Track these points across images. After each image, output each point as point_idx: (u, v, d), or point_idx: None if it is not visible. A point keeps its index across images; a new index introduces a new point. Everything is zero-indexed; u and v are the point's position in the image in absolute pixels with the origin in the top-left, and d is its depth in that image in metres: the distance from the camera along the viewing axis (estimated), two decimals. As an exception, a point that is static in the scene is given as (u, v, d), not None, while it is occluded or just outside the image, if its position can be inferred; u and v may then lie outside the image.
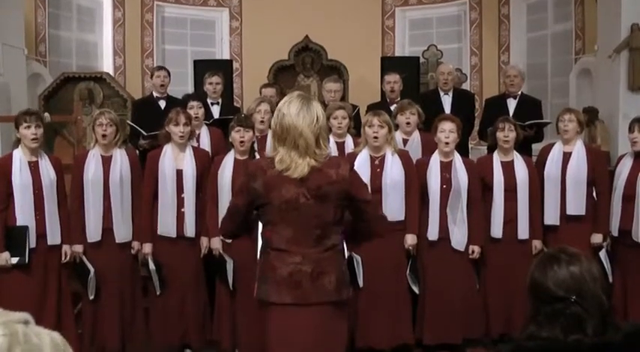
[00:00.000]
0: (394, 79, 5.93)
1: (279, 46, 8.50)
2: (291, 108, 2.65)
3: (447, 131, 4.49)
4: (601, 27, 7.09)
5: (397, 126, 4.99)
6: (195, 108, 5.08)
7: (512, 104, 5.92)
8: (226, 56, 9.12)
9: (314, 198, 2.65)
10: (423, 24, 9.27)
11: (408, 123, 4.98)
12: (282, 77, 8.43)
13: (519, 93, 6.01)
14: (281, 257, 2.70)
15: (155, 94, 6.04)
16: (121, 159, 4.57)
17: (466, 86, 8.51)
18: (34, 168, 4.34)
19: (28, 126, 4.30)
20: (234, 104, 7.69)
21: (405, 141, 4.98)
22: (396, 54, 9.06)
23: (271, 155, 2.73)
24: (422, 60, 8.45)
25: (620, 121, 6.49)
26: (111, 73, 8.21)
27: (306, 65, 8.54)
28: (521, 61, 8.40)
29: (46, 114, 4.67)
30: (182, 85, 8.04)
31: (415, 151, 4.85)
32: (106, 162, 4.55)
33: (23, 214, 4.29)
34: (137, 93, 8.17)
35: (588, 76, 7.60)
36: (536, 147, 5.66)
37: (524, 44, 8.68)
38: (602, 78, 7.09)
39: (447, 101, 6.02)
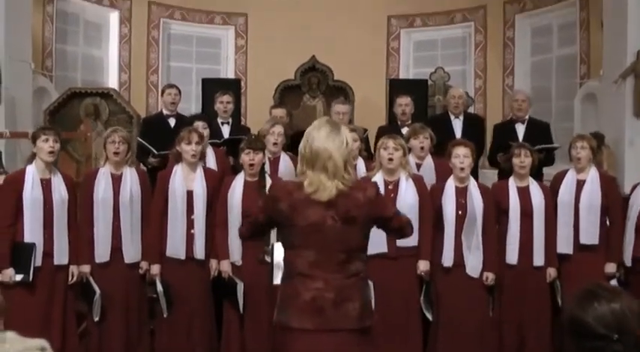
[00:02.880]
0: (406, 102, 5.93)
1: (284, 65, 8.51)
2: (320, 132, 2.67)
3: (461, 156, 4.48)
4: (606, 52, 7.10)
5: (410, 150, 4.99)
6: (200, 129, 5.05)
7: (520, 129, 5.92)
8: (231, 74, 9.12)
9: (342, 220, 2.63)
10: (428, 46, 9.30)
11: (422, 148, 4.97)
12: (288, 97, 8.40)
13: (527, 117, 6.02)
14: (303, 282, 2.67)
15: (165, 112, 6.04)
16: (131, 178, 4.55)
17: (470, 109, 8.52)
18: (46, 185, 4.32)
19: (46, 139, 4.29)
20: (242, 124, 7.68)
21: (418, 166, 4.96)
22: (401, 75, 9.08)
23: (299, 179, 2.71)
24: (429, 82, 8.46)
25: (626, 147, 6.50)
26: (116, 88, 8.20)
27: (312, 85, 8.53)
28: (526, 85, 8.43)
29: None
30: (186, 102, 7.99)
31: (428, 176, 4.82)
32: (116, 180, 4.53)
33: (32, 231, 4.25)
34: (141, 109, 8.15)
35: (593, 100, 7.59)
36: (548, 172, 5.65)
37: (529, 67, 8.69)
38: (607, 103, 7.09)
39: (457, 125, 6.02)
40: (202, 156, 4.72)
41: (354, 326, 2.68)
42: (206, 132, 5.14)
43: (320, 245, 2.64)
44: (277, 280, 3.73)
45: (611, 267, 4.58)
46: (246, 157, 4.52)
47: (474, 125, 6.19)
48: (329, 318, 2.64)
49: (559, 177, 4.76)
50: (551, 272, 4.58)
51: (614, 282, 4.51)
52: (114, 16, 8.74)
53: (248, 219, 3.00)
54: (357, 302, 2.69)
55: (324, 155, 2.63)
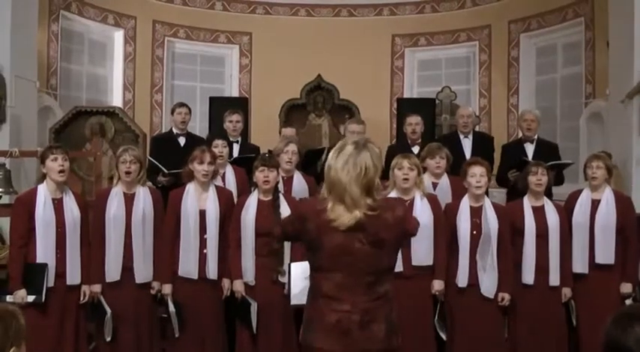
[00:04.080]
0: (416, 121, 5.92)
1: (289, 84, 8.53)
2: (338, 162, 2.60)
3: (477, 175, 4.45)
4: (612, 71, 7.09)
5: (425, 170, 4.97)
6: (220, 147, 5.06)
7: (529, 148, 5.89)
8: (235, 93, 9.14)
9: (370, 243, 2.59)
10: (432, 65, 9.33)
11: (438, 167, 4.95)
12: (293, 116, 8.41)
13: (536, 137, 5.99)
14: (329, 304, 2.64)
15: (175, 131, 6.03)
16: (144, 197, 4.51)
17: (476, 128, 8.51)
18: (57, 205, 4.27)
19: (55, 158, 4.24)
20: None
21: (434, 185, 4.94)
22: (405, 95, 9.10)
23: (323, 198, 2.66)
24: (436, 101, 8.46)
25: (633, 167, 6.47)
26: (120, 107, 8.16)
27: (317, 104, 8.54)
28: (530, 104, 8.39)
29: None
30: (190, 120, 7.99)
31: (445, 195, 4.80)
32: (129, 200, 4.48)
33: (44, 252, 4.21)
34: (145, 128, 8.12)
35: (599, 120, 7.58)
36: (556, 191, 5.62)
37: (534, 87, 8.69)
38: (613, 123, 7.08)
39: (467, 144, 6.00)
40: (215, 175, 4.67)
41: (381, 346, 2.65)
42: (226, 151, 5.14)
43: (348, 267, 2.61)
44: (294, 301, 3.70)
45: (627, 287, 4.55)
46: (260, 174, 4.48)
47: (484, 144, 6.16)
48: (355, 340, 2.61)
49: (573, 197, 4.74)
50: (567, 292, 4.54)
51: (628, 302, 4.48)
52: (118, 35, 8.74)
53: (278, 229, 2.98)
54: (382, 323, 2.66)
55: (340, 187, 2.57)
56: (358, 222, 2.56)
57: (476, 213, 4.46)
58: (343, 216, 2.56)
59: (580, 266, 4.57)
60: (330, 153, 2.68)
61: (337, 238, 2.59)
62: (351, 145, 2.65)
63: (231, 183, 5.02)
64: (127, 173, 4.45)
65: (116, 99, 8.62)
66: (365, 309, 2.63)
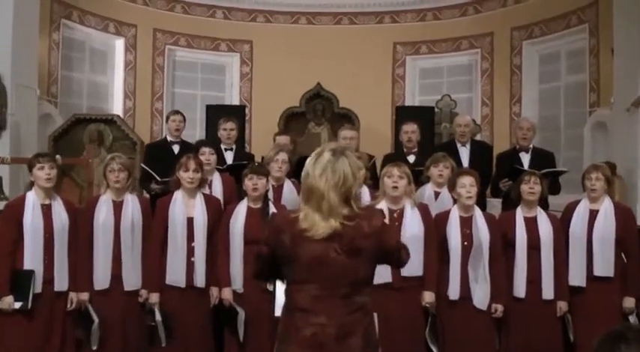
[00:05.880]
0: (412, 129, 5.84)
1: (289, 92, 8.50)
2: (316, 169, 2.52)
3: (467, 185, 4.34)
4: (617, 79, 6.99)
5: (428, 178, 4.90)
6: (207, 154, 5.01)
7: (525, 158, 5.77)
8: (236, 101, 9.14)
9: (346, 253, 2.50)
10: (434, 73, 9.26)
11: (440, 176, 4.87)
12: (293, 124, 8.39)
13: (531, 146, 5.89)
14: (304, 317, 2.55)
15: (169, 138, 5.99)
16: (132, 205, 4.49)
17: (477, 137, 8.42)
18: (46, 211, 4.28)
19: (42, 168, 4.25)
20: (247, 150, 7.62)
21: (436, 195, 4.87)
22: (407, 103, 9.04)
23: (298, 209, 2.59)
24: (435, 109, 8.39)
25: (638, 177, 6.34)
26: (120, 115, 8.18)
27: (317, 112, 8.51)
28: (533, 113, 8.31)
29: (58, 157, 4.60)
30: (191, 128, 7.97)
31: (446, 205, 4.69)
32: (117, 207, 4.46)
33: (32, 258, 4.20)
34: (146, 136, 8.12)
35: (603, 129, 7.47)
36: (553, 202, 5.51)
37: (537, 95, 8.59)
38: (618, 132, 6.96)
39: (464, 153, 5.89)
40: (203, 183, 4.62)
41: None
42: (213, 158, 5.08)
43: (324, 279, 2.52)
44: (279, 312, 3.64)
45: (629, 302, 4.39)
46: (249, 182, 4.45)
47: (482, 153, 6.06)
48: None
49: (571, 208, 4.59)
50: (562, 305, 4.40)
51: (632, 318, 4.35)
52: (119, 43, 8.76)
53: (255, 256, 2.86)
54: (359, 336, 2.56)
55: (317, 194, 2.49)
56: (334, 231, 2.49)
57: (466, 223, 4.37)
58: (318, 225, 2.48)
59: (578, 279, 4.42)
60: (307, 160, 2.61)
61: (312, 249, 2.51)
62: (329, 152, 2.56)
63: (217, 190, 4.96)
64: (116, 182, 4.43)
65: (117, 107, 8.63)
66: (342, 323, 2.54)
